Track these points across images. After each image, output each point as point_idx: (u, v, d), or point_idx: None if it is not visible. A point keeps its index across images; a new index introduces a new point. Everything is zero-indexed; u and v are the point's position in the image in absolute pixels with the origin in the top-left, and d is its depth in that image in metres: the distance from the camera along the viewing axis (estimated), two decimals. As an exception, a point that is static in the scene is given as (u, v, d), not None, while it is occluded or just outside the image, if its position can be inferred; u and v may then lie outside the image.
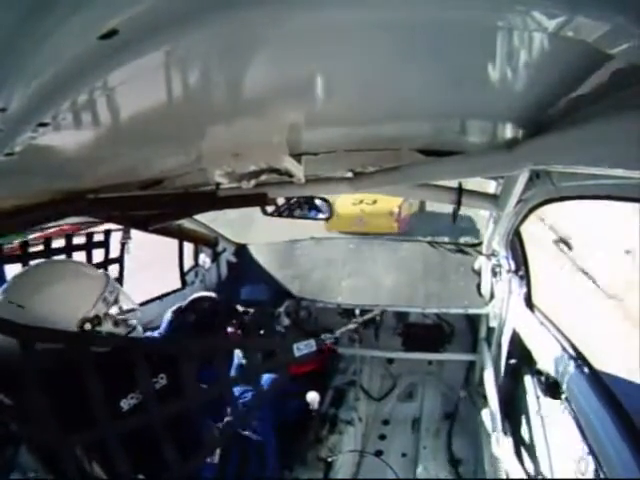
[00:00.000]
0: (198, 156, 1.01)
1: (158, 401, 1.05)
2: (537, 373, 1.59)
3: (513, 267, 1.94)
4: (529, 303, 1.85)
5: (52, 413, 0.93)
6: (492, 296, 2.21)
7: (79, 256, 1.81)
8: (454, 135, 1.04)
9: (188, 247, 2.64)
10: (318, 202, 2.27)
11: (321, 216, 2.35)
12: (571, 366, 1.42)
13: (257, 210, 2.10)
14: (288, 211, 2.31)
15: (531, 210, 1.51)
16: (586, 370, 1.38)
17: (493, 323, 2.20)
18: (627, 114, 0.53)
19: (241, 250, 2.89)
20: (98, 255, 1.92)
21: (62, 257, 1.72)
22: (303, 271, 2.64)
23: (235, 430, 1.28)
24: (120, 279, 2.00)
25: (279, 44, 0.51)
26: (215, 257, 2.77)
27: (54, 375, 1.00)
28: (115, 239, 2.05)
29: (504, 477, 1.66)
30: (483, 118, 0.91)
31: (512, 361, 1.93)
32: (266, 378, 1.61)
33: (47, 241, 1.66)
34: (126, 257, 2.12)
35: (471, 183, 1.46)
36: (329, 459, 1.90)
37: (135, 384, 1.08)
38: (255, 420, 1.51)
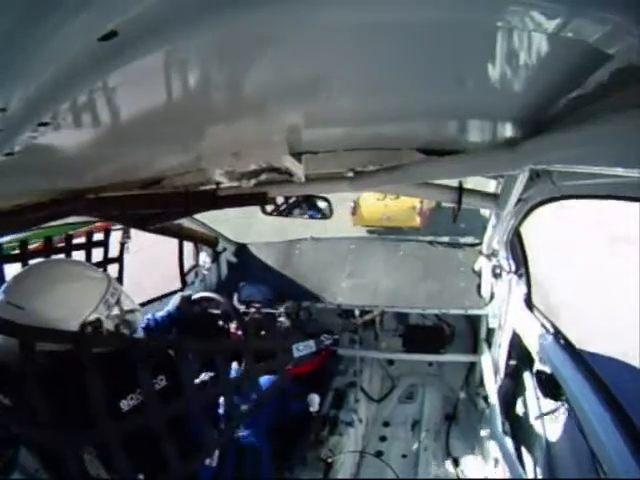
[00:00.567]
0: (198, 155, 1.01)
1: (158, 402, 1.05)
2: (537, 373, 1.59)
3: (513, 267, 1.94)
4: (529, 303, 1.85)
5: (52, 414, 0.93)
6: (492, 297, 2.21)
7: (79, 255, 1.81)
8: (454, 134, 1.04)
9: (188, 247, 2.65)
10: (318, 201, 2.26)
11: (321, 215, 2.34)
12: (571, 366, 1.42)
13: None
14: (288, 210, 2.30)
15: (531, 209, 1.51)
16: (586, 370, 1.38)
17: (493, 324, 2.19)
18: (627, 114, 0.53)
19: (241, 250, 2.89)
20: (98, 255, 1.92)
21: (63, 257, 1.71)
22: (303, 271, 2.64)
23: (234, 431, 1.28)
24: (120, 279, 2.00)
25: (279, 44, 0.51)
26: (215, 257, 2.77)
27: (54, 376, 1.01)
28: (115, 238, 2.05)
29: (505, 477, 1.66)
30: (483, 118, 0.91)
31: (512, 362, 1.93)
32: (265, 380, 1.62)
33: (47, 240, 1.66)
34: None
35: (471, 182, 1.46)
36: (329, 460, 1.90)
37: (135, 385, 1.08)
38: (250, 425, 1.51)
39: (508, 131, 0.95)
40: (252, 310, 2.46)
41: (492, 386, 2.05)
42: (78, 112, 0.58)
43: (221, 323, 2.04)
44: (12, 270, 1.35)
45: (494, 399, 1.98)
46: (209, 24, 0.42)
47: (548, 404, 1.56)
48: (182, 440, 1.07)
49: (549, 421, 1.56)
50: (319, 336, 1.74)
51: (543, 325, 1.69)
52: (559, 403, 1.43)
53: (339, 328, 2.46)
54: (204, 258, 2.73)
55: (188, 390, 1.10)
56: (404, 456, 2.16)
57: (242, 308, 2.39)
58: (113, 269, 1.94)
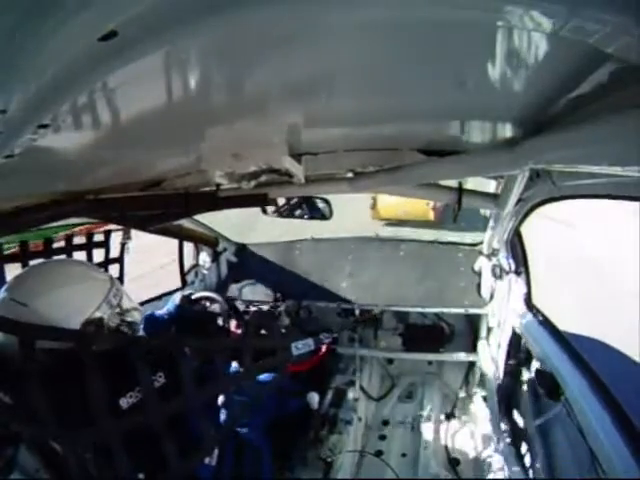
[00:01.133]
0: (198, 157, 1.01)
1: (157, 399, 1.05)
2: (537, 373, 1.59)
3: (513, 267, 1.94)
4: (529, 303, 1.85)
5: (52, 412, 0.93)
6: (492, 296, 2.21)
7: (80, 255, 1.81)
8: (454, 135, 1.04)
9: (188, 247, 2.66)
10: (318, 202, 2.26)
11: (321, 216, 2.35)
12: (571, 366, 1.42)
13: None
14: (288, 211, 2.31)
15: (531, 209, 1.51)
16: (586, 370, 1.38)
17: (493, 323, 2.20)
18: (627, 114, 0.53)
19: (241, 250, 2.90)
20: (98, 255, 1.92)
21: (68, 258, 1.71)
22: (303, 271, 2.64)
23: (233, 430, 1.28)
24: (121, 278, 2.00)
25: (279, 45, 0.51)
26: (215, 257, 2.77)
27: (54, 374, 1.01)
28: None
29: (503, 477, 1.66)
30: (483, 118, 0.91)
31: (512, 361, 1.93)
32: (264, 378, 1.62)
33: (47, 241, 1.66)
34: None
35: (471, 182, 1.46)
36: (329, 459, 1.90)
37: (134, 383, 1.08)
38: (250, 423, 1.51)
39: (508, 131, 0.95)
40: (252, 309, 2.47)
41: (492, 385, 2.05)
42: (78, 114, 0.58)
43: (221, 321, 2.04)
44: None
45: (494, 398, 1.98)
46: (209, 24, 0.42)
47: (547, 404, 1.56)
48: (182, 438, 1.07)
49: (548, 421, 1.56)
50: (318, 335, 1.74)
51: (542, 325, 1.69)
52: (558, 403, 1.43)
53: (339, 327, 2.46)
54: (204, 258, 2.73)
55: (187, 388, 1.10)
56: (404, 455, 2.16)
57: (242, 307, 2.40)
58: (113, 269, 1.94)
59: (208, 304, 2.13)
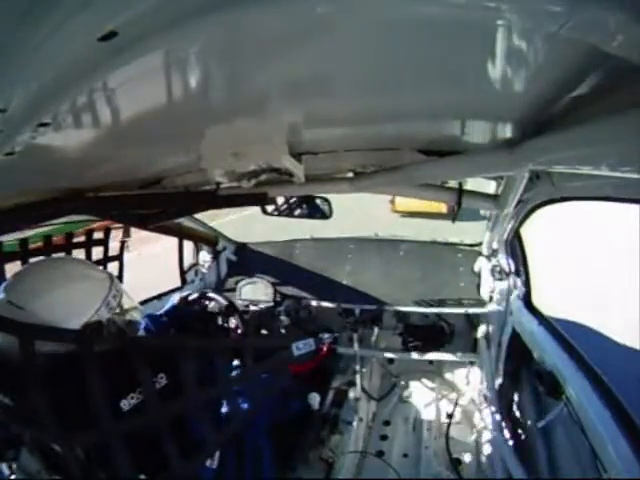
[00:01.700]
0: (198, 155, 1.01)
1: (158, 401, 1.05)
2: (537, 373, 1.59)
3: (513, 267, 1.94)
4: (529, 303, 1.85)
5: (52, 413, 0.93)
6: (492, 296, 2.21)
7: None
8: (454, 135, 1.04)
9: (188, 246, 2.66)
10: (318, 202, 2.26)
11: (320, 216, 2.35)
12: (571, 365, 1.42)
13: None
14: (288, 210, 2.31)
15: (531, 210, 1.51)
16: (586, 369, 1.38)
17: (493, 323, 2.20)
18: (627, 114, 0.53)
19: (241, 249, 2.90)
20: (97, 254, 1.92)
21: (65, 256, 1.71)
22: (303, 270, 2.64)
23: (235, 431, 1.28)
24: (120, 277, 2.00)
25: (278, 44, 0.51)
26: (215, 256, 2.77)
27: (54, 375, 1.00)
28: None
29: (504, 477, 1.66)
30: (483, 118, 0.91)
31: (512, 361, 1.93)
32: (265, 378, 1.62)
33: (47, 239, 1.66)
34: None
35: (471, 183, 1.46)
36: (330, 460, 1.90)
37: (135, 384, 1.07)
38: (252, 423, 1.51)
39: (508, 132, 0.95)
40: (252, 308, 2.47)
41: (492, 385, 2.05)
42: (78, 112, 0.58)
43: (220, 321, 2.04)
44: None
45: (494, 398, 1.98)
46: (209, 24, 0.42)
47: (548, 403, 1.56)
48: (183, 440, 1.06)
49: (549, 420, 1.56)
50: (319, 334, 1.74)
51: (542, 324, 1.69)
52: (559, 402, 1.43)
53: (339, 327, 2.46)
54: (204, 257, 2.73)
55: (189, 389, 1.10)
56: (405, 455, 2.16)
57: (242, 306, 2.40)
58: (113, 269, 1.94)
59: (207, 303, 2.13)
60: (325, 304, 2.50)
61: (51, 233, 1.59)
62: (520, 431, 1.81)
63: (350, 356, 2.51)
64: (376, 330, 2.54)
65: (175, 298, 2.01)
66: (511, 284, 1.96)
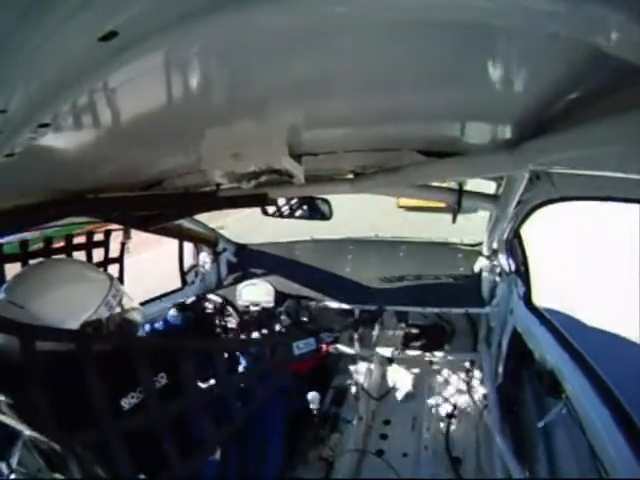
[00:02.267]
0: (198, 157, 1.01)
1: (159, 400, 1.05)
2: (537, 373, 1.58)
3: (513, 267, 1.94)
4: (529, 303, 1.85)
5: (52, 412, 0.93)
6: (492, 296, 2.21)
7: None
8: (454, 136, 1.04)
9: (188, 247, 2.66)
10: (318, 203, 2.26)
11: (321, 217, 2.35)
12: (572, 365, 1.42)
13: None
14: (288, 211, 2.31)
15: (531, 211, 1.51)
16: (586, 369, 1.38)
17: (493, 323, 2.19)
18: (627, 114, 0.53)
19: (241, 250, 2.90)
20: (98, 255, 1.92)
21: (65, 257, 1.71)
22: (303, 271, 2.64)
23: (234, 430, 1.28)
24: (121, 278, 1.99)
25: (278, 45, 0.51)
26: (215, 257, 2.77)
27: (54, 375, 1.00)
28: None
29: (504, 477, 1.66)
30: (483, 119, 0.91)
31: (512, 361, 1.93)
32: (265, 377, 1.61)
33: (47, 240, 1.66)
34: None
35: (471, 183, 1.47)
36: (330, 459, 1.90)
37: (135, 383, 1.07)
38: (259, 418, 1.51)
39: (508, 132, 0.95)
40: (252, 309, 2.47)
41: (492, 385, 2.05)
42: (78, 113, 0.58)
43: (220, 323, 2.04)
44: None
45: (494, 398, 1.98)
46: (209, 24, 0.42)
47: (548, 403, 1.56)
48: (184, 439, 1.06)
49: (549, 420, 1.56)
50: (319, 334, 1.74)
51: (543, 324, 1.69)
52: (559, 402, 1.43)
53: (339, 327, 2.46)
54: (204, 258, 2.73)
55: (189, 388, 1.10)
56: (405, 454, 2.15)
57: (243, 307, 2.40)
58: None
59: (206, 304, 2.13)
60: (325, 304, 2.50)
61: (52, 235, 1.59)
62: (520, 431, 1.81)
63: (350, 356, 2.51)
64: (376, 330, 2.53)
65: (171, 311, 2.00)
66: (511, 284, 1.95)
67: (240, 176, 1.12)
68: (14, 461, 1.03)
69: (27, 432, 0.99)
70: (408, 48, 0.55)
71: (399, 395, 2.55)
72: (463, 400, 2.42)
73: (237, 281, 2.70)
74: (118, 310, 1.22)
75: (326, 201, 2.25)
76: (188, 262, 2.72)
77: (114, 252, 1.99)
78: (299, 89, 0.69)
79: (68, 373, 1.00)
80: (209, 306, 2.18)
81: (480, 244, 2.34)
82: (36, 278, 1.17)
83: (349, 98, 0.76)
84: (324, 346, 2.03)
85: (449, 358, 2.49)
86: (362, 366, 2.54)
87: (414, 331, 2.53)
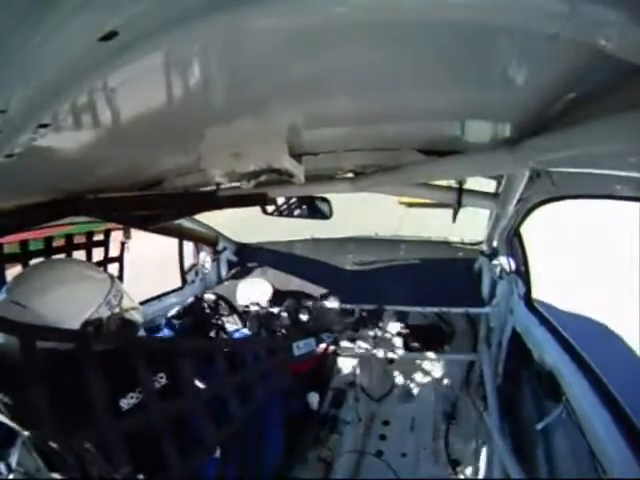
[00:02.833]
0: (198, 156, 1.01)
1: (158, 401, 1.05)
2: (537, 373, 1.58)
3: (513, 267, 1.94)
4: (529, 303, 1.85)
5: (52, 412, 0.93)
6: (492, 296, 2.21)
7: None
8: (454, 135, 1.04)
9: (188, 246, 2.66)
10: (318, 202, 2.26)
11: (321, 216, 2.34)
12: (571, 366, 1.42)
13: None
14: (288, 211, 2.31)
15: (531, 209, 1.51)
16: (586, 370, 1.38)
17: (493, 323, 2.19)
18: (627, 113, 0.53)
19: (242, 249, 2.90)
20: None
21: (66, 257, 1.71)
22: (303, 271, 2.64)
23: (235, 429, 1.28)
24: (120, 278, 2.00)
25: (279, 44, 0.51)
26: (215, 256, 2.77)
27: (54, 375, 1.00)
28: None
29: (504, 477, 1.66)
30: (483, 118, 0.91)
31: (512, 361, 1.93)
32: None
33: (47, 240, 1.66)
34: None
35: (471, 182, 1.46)
36: (329, 459, 1.90)
37: (135, 384, 1.07)
38: (260, 415, 1.50)
39: (508, 131, 0.95)
40: (252, 308, 2.46)
41: (492, 385, 2.05)
42: (78, 113, 0.58)
43: (219, 323, 2.04)
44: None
45: (493, 398, 1.98)
46: (209, 24, 0.42)
47: (548, 404, 1.56)
48: (183, 439, 1.06)
49: (549, 421, 1.56)
50: (319, 335, 1.74)
51: (543, 324, 1.69)
52: (559, 403, 1.43)
53: (339, 327, 2.46)
54: (204, 257, 2.73)
55: (188, 389, 1.10)
56: (404, 455, 2.16)
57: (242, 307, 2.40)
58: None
59: (205, 305, 2.13)
60: (325, 304, 2.50)
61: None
62: (519, 431, 1.81)
63: (350, 356, 2.51)
64: (376, 330, 2.54)
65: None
66: (512, 283, 1.95)
67: (240, 176, 1.12)
68: (13, 461, 1.03)
69: (26, 432, 0.99)
70: (408, 47, 0.55)
71: (398, 396, 2.56)
72: (462, 401, 2.42)
73: (234, 277, 2.71)
74: (118, 310, 1.22)
75: (326, 200, 2.24)
76: (188, 261, 2.72)
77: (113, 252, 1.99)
78: (299, 89, 0.69)
79: (67, 373, 1.00)
80: (208, 307, 2.18)
81: (480, 243, 2.34)
82: (38, 277, 1.17)
83: (349, 98, 0.76)
84: (324, 347, 2.03)
85: (449, 358, 2.49)
86: (362, 367, 2.54)
87: (414, 331, 2.53)
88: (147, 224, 1.69)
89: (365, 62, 0.59)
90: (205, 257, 2.74)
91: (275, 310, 2.37)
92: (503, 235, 1.86)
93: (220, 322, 2.04)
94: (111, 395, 1.02)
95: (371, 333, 2.54)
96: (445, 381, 2.59)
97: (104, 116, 0.63)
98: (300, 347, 1.46)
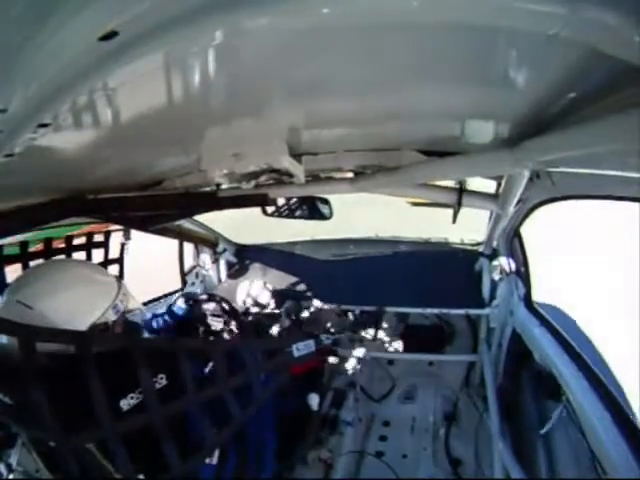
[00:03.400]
0: (198, 157, 1.01)
1: (158, 401, 1.05)
2: (537, 374, 1.58)
3: (513, 267, 1.94)
4: (529, 303, 1.85)
5: (52, 413, 0.93)
6: (492, 297, 2.21)
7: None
8: (454, 135, 1.04)
9: (188, 247, 2.65)
10: (318, 202, 2.26)
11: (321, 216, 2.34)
12: (571, 367, 1.42)
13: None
14: (288, 211, 2.30)
15: (531, 210, 1.51)
16: (586, 371, 1.38)
17: (493, 324, 2.19)
18: (627, 114, 0.53)
19: (241, 250, 2.90)
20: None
21: (74, 258, 1.71)
22: (303, 271, 2.64)
23: (235, 430, 1.28)
24: (120, 278, 1.99)
25: (279, 45, 0.51)
26: (215, 257, 2.77)
27: (54, 375, 1.00)
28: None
29: (505, 478, 1.66)
30: (483, 118, 0.91)
31: (512, 362, 1.93)
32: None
33: (48, 241, 1.65)
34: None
35: (471, 183, 1.46)
36: (329, 460, 1.90)
37: (135, 384, 1.07)
38: (255, 420, 1.51)
39: (508, 132, 0.95)
40: (252, 310, 2.46)
41: (492, 386, 2.05)
42: (78, 113, 0.58)
43: (214, 322, 2.04)
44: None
45: (494, 399, 1.98)
46: (209, 24, 0.42)
47: (548, 404, 1.56)
48: (183, 440, 1.06)
49: (549, 421, 1.56)
50: (319, 336, 1.74)
51: (543, 325, 1.69)
52: (559, 403, 1.43)
53: (339, 328, 2.46)
54: (204, 259, 2.73)
55: (188, 389, 1.10)
56: (404, 456, 2.15)
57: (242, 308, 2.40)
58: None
59: (204, 306, 2.13)
60: (325, 305, 2.50)
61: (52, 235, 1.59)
62: (520, 432, 1.81)
63: (349, 357, 2.51)
64: (376, 331, 2.53)
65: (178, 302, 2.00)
66: (512, 284, 1.95)
67: (240, 176, 1.12)
68: (13, 461, 1.03)
69: (27, 432, 0.99)
70: (408, 48, 0.55)
71: (398, 397, 2.56)
72: (462, 401, 2.42)
73: (232, 276, 2.71)
74: (124, 313, 1.22)
75: (326, 201, 2.24)
76: (188, 263, 2.72)
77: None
78: (299, 89, 0.69)
79: (68, 373, 1.00)
80: (208, 307, 2.18)
81: (480, 244, 2.34)
82: (46, 279, 1.16)
83: (349, 98, 0.76)
84: (324, 349, 2.03)
85: (449, 359, 2.49)
86: (361, 367, 2.54)
87: (414, 332, 2.53)
88: (147, 224, 1.69)
89: (365, 62, 0.59)
90: (205, 259, 2.74)
91: (275, 311, 2.37)
92: (503, 235, 1.86)
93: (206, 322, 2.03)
94: (111, 395, 1.02)
95: (371, 334, 2.54)
96: (445, 382, 2.59)
97: (104, 116, 0.63)
98: (300, 349, 1.46)
